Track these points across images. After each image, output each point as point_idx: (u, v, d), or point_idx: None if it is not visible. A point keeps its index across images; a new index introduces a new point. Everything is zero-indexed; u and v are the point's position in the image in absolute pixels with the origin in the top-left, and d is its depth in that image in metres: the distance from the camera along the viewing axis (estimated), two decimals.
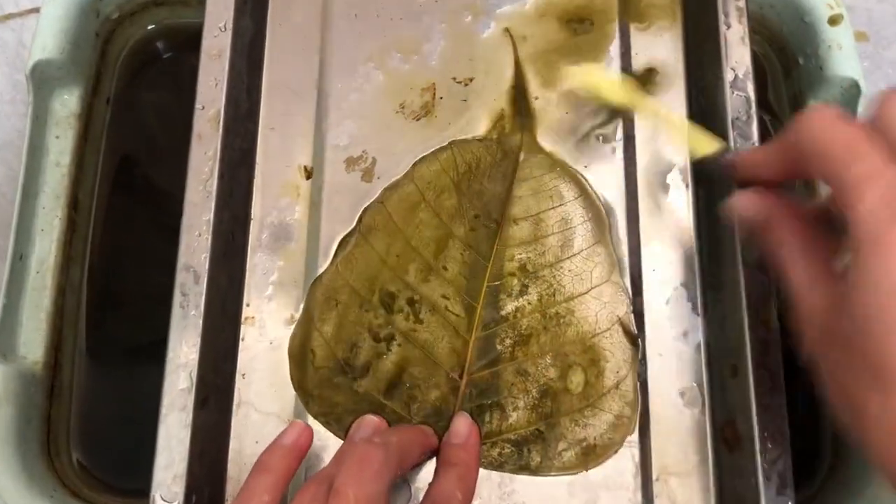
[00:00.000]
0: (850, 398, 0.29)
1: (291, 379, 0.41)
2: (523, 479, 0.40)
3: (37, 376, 0.44)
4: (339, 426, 0.40)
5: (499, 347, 0.41)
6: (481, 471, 0.40)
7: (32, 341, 0.45)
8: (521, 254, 0.42)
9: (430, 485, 0.37)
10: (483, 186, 0.44)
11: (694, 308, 0.42)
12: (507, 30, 0.46)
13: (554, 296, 0.42)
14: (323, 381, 0.41)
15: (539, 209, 0.43)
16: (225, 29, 0.43)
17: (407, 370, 0.41)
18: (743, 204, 0.34)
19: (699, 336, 0.41)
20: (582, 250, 0.42)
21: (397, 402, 0.41)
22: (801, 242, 0.32)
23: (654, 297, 0.42)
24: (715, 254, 0.42)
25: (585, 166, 0.44)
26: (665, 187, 0.44)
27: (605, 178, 0.44)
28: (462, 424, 0.39)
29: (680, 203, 0.44)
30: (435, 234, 0.43)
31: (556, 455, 0.40)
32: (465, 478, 0.37)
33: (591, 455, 0.40)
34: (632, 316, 0.42)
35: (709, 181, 0.36)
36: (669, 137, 0.42)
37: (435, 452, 0.40)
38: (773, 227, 0.33)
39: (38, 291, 0.45)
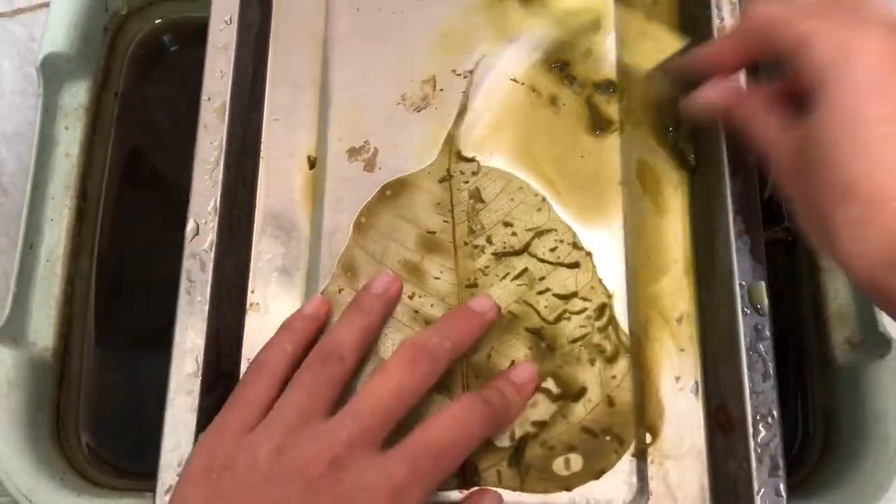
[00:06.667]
0: (820, 218, 0.32)
1: None
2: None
3: (47, 363, 0.44)
4: None
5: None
6: None
7: (42, 329, 0.45)
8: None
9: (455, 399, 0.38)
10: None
11: (689, 295, 0.43)
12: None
13: None
14: None
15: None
16: (231, 22, 0.43)
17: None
18: (706, 93, 0.39)
19: (694, 323, 0.42)
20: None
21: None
22: (764, 106, 0.37)
23: None
24: (709, 241, 0.42)
25: (582, 156, 0.45)
26: (658, 174, 0.45)
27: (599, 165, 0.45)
28: (526, 369, 0.40)
29: (673, 190, 0.44)
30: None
31: None
32: (524, 390, 0.39)
33: None
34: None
35: (679, 80, 0.40)
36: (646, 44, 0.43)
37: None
38: (737, 105, 0.38)
39: (47, 280, 0.46)
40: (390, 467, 0.33)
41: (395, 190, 0.45)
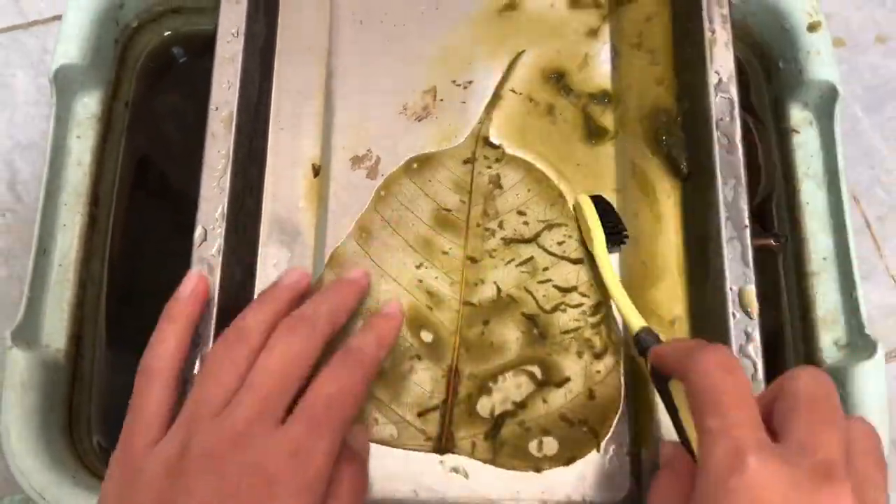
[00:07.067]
0: None
1: None
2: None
3: (59, 364, 0.45)
4: None
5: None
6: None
7: (55, 331, 0.45)
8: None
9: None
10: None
11: (682, 299, 0.44)
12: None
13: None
14: None
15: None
16: (237, 35, 0.44)
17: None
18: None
19: (686, 324, 0.43)
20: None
21: None
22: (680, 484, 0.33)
23: None
24: (701, 246, 0.43)
25: (577, 164, 0.46)
26: (651, 182, 0.46)
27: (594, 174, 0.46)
28: (394, 305, 0.41)
29: (666, 198, 0.45)
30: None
31: None
32: (383, 338, 0.39)
33: None
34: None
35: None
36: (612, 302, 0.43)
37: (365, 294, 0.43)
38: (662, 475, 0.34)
39: (60, 284, 0.46)
40: (289, 431, 0.33)
41: (420, 163, 0.46)
